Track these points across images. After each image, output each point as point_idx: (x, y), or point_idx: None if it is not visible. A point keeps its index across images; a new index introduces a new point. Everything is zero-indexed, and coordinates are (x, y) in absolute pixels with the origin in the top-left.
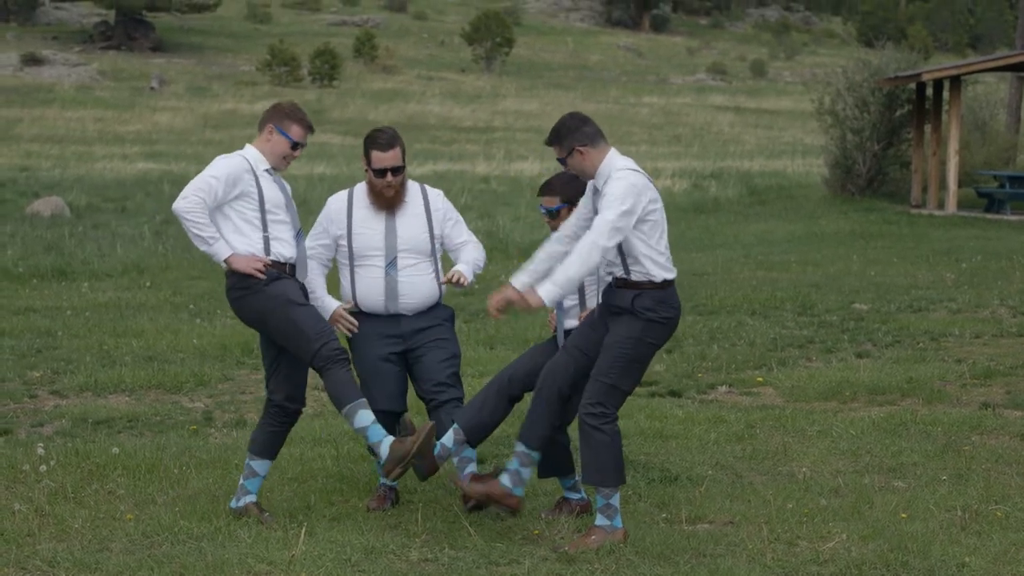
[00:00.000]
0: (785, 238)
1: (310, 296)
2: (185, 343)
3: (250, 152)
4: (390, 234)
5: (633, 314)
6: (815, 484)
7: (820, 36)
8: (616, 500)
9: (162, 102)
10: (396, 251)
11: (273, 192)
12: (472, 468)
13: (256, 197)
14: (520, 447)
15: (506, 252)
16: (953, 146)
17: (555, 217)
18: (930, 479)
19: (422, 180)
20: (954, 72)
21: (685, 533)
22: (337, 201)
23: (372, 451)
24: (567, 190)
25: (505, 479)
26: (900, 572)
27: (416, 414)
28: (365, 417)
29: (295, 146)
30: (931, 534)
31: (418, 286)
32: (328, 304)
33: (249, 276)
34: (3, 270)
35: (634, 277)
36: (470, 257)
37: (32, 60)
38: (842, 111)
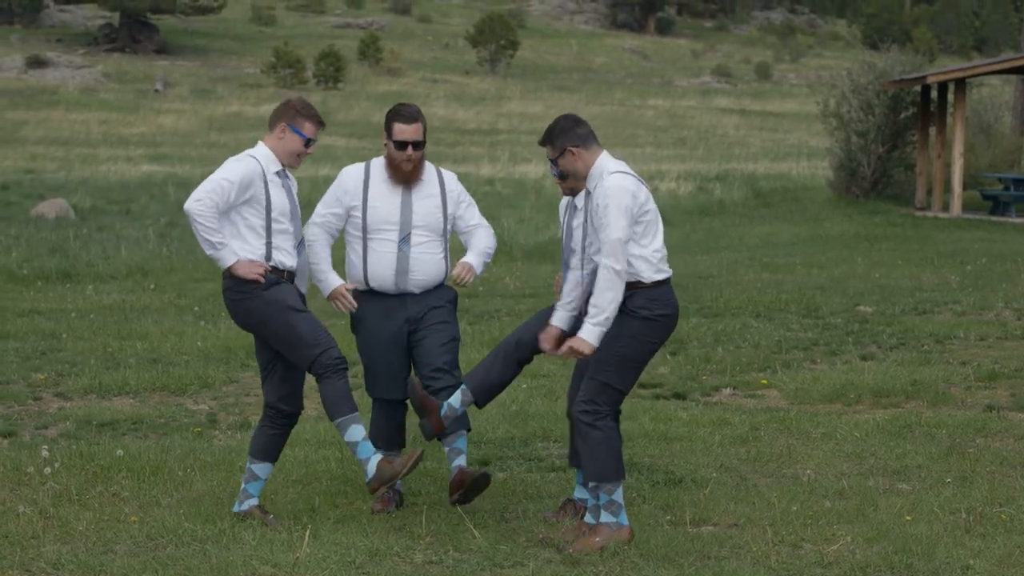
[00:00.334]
0: (790, 240)
1: (313, 268)
2: (189, 345)
3: (261, 152)
4: (406, 209)
5: (626, 314)
6: (819, 486)
7: (825, 39)
8: (619, 496)
9: (166, 104)
10: (411, 227)
11: (281, 199)
12: (461, 461)
13: (263, 204)
14: (588, 485)
15: (510, 254)
16: (958, 149)
17: (565, 179)
18: (934, 481)
19: None
20: (959, 75)
21: (689, 535)
22: (353, 173)
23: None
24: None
25: (589, 518)
26: (904, 574)
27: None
28: (357, 432)
29: (308, 143)
30: (935, 536)
31: (428, 263)
32: (331, 280)
33: (249, 281)
34: (8, 272)
35: (627, 279)
36: (481, 245)
37: (36, 62)
38: (847, 113)
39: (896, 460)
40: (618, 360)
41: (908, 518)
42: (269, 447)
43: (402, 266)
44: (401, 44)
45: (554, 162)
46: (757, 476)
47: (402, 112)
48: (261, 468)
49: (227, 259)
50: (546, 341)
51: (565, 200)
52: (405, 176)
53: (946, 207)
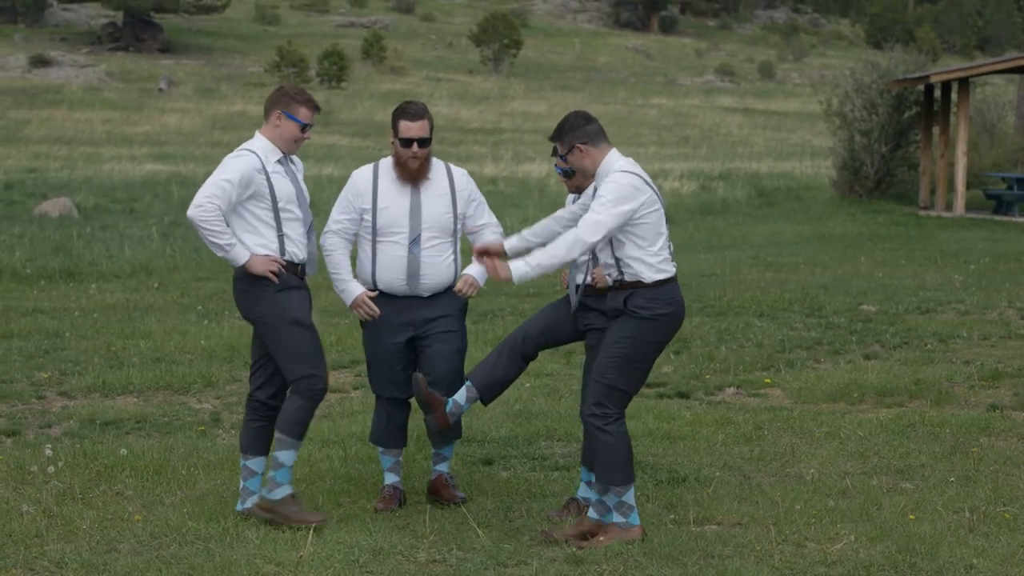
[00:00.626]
0: (793, 240)
1: (334, 277)
2: (193, 344)
3: (259, 144)
4: (415, 211)
5: (627, 314)
6: (823, 485)
7: (828, 38)
8: (630, 498)
9: (170, 103)
10: (420, 229)
11: (284, 186)
12: (444, 467)
13: (268, 196)
14: (595, 482)
15: None
16: (961, 148)
17: (570, 177)
18: (938, 481)
19: None
20: (962, 74)
21: (693, 534)
22: (362, 175)
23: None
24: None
25: (591, 513)
26: (908, 574)
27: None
28: (289, 458)
29: (305, 128)
30: (939, 536)
31: (438, 266)
32: (352, 289)
33: (262, 278)
34: (11, 271)
35: (626, 279)
36: None
37: (40, 61)
38: (850, 113)
39: (900, 459)
40: (620, 361)
41: (912, 517)
42: (257, 440)
43: (413, 269)
44: (405, 43)
45: (563, 157)
46: (761, 475)
47: (408, 110)
48: (255, 463)
49: (240, 257)
50: (480, 247)
51: (570, 198)
52: (412, 174)
53: (949, 206)
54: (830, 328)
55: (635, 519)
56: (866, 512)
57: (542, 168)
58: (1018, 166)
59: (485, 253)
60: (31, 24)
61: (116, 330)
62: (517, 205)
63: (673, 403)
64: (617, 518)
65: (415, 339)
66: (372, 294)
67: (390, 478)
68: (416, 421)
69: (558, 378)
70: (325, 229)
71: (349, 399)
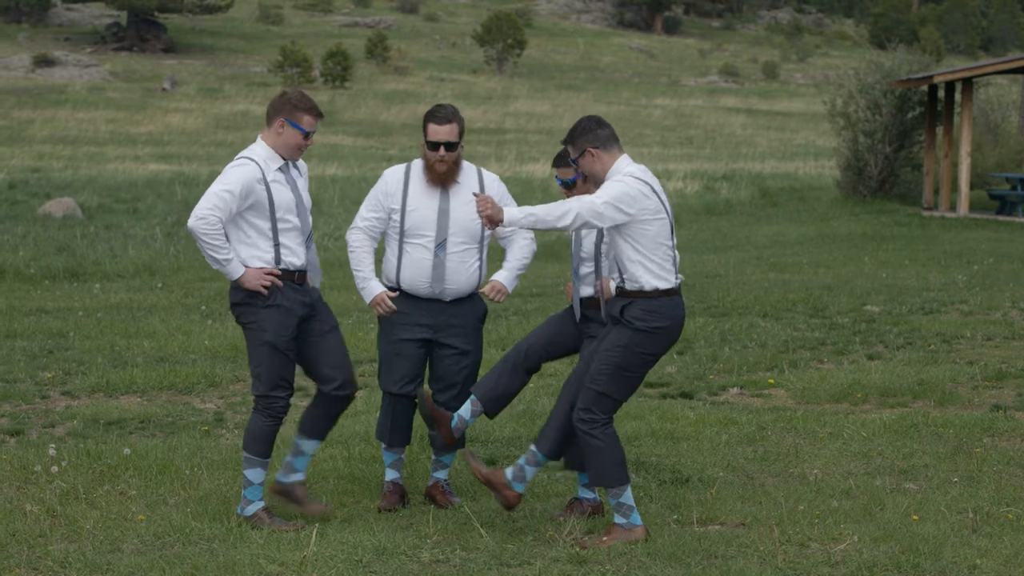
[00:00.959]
0: (797, 240)
1: (356, 273)
2: (197, 344)
3: (260, 151)
4: (443, 215)
5: (622, 323)
6: (826, 486)
7: (832, 38)
8: (627, 498)
9: (174, 103)
10: (447, 232)
11: (284, 196)
12: (442, 475)
13: (267, 206)
14: (533, 447)
15: None
16: (965, 148)
17: (571, 188)
18: (941, 481)
19: None
20: (966, 74)
21: (696, 535)
22: (394, 174)
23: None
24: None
25: (508, 471)
26: (911, 574)
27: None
28: (258, 475)
29: (307, 135)
30: (942, 536)
31: (463, 271)
32: (372, 288)
33: (255, 292)
34: (15, 271)
35: (627, 286)
36: (516, 257)
37: (44, 61)
38: (854, 113)
39: (903, 460)
40: (612, 369)
41: (915, 518)
42: (311, 421)
43: (438, 273)
44: (408, 43)
45: (574, 161)
46: (764, 475)
47: (437, 113)
48: (309, 444)
49: (235, 272)
50: (483, 199)
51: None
52: (440, 177)
53: (953, 207)
54: (834, 328)
55: (636, 519)
56: (869, 513)
57: (546, 168)
58: (1022, 166)
59: (485, 203)
60: (35, 24)
61: (120, 330)
62: (521, 205)
63: (677, 403)
64: (618, 519)
65: (431, 343)
66: (392, 294)
67: (391, 475)
68: (419, 421)
69: (561, 379)
70: (352, 225)
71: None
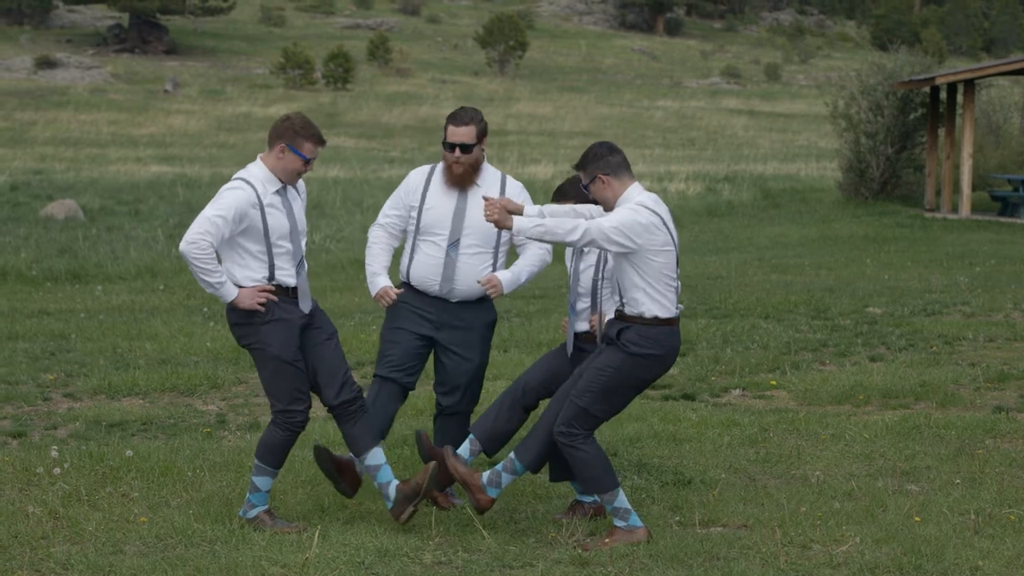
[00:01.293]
0: (799, 241)
1: (367, 267)
2: (199, 346)
3: (258, 173)
4: (458, 215)
5: (616, 345)
6: (828, 487)
7: (834, 40)
8: (621, 502)
9: (176, 105)
10: (460, 233)
11: (279, 222)
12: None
13: (261, 231)
14: (512, 455)
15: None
16: (967, 150)
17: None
18: (943, 483)
19: None
20: (968, 76)
21: (698, 536)
22: (418, 174)
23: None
24: (581, 195)
25: (485, 475)
26: None
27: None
28: (265, 483)
29: (307, 162)
30: (944, 538)
31: (473, 274)
32: (378, 282)
33: (251, 311)
34: (17, 273)
35: (627, 311)
36: (524, 263)
37: (46, 63)
38: (856, 115)
39: (905, 461)
40: (599, 389)
41: (917, 519)
42: (353, 441)
43: (448, 272)
44: (410, 45)
45: (585, 187)
46: (766, 477)
47: (456, 114)
48: (371, 456)
49: (228, 295)
50: (491, 203)
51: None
52: (456, 178)
53: (955, 208)
54: (836, 330)
55: (635, 520)
56: (871, 514)
57: (547, 169)
58: (1023, 168)
59: (497, 208)
60: (37, 26)
61: (122, 332)
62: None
63: (679, 405)
64: (618, 523)
65: (435, 342)
66: (398, 290)
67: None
68: (422, 423)
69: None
70: (375, 222)
71: None
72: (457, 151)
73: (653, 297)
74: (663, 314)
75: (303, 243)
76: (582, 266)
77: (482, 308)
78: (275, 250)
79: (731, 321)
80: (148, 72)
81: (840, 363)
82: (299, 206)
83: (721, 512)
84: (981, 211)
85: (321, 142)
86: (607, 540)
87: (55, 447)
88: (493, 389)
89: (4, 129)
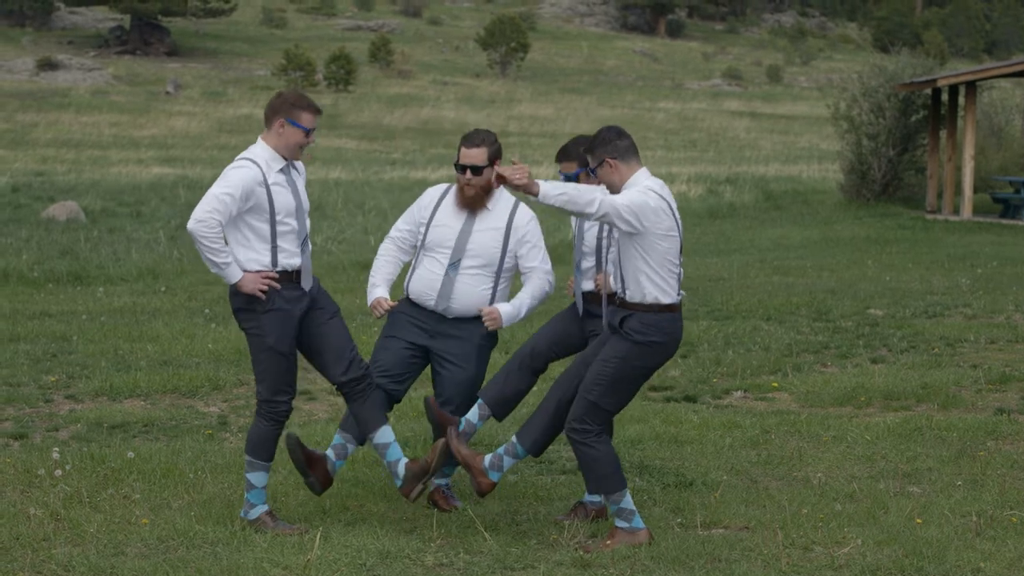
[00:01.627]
0: (800, 243)
1: (370, 277)
2: (200, 348)
3: (261, 153)
4: (463, 236)
5: (619, 334)
6: (830, 489)
7: (836, 41)
8: (627, 503)
9: (177, 107)
10: (463, 253)
11: (285, 199)
12: (444, 481)
13: (267, 208)
14: (513, 439)
15: None
16: (968, 151)
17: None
18: (945, 485)
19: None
20: (970, 78)
21: (700, 538)
22: (433, 191)
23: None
24: (583, 155)
25: (487, 458)
26: None
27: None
28: (260, 479)
29: (309, 133)
30: (946, 539)
31: (470, 294)
32: (375, 293)
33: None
34: (18, 274)
35: (628, 297)
36: (525, 296)
37: (47, 65)
38: (858, 116)
39: (907, 463)
40: (607, 381)
41: (918, 521)
42: (360, 419)
43: (445, 290)
44: (412, 46)
45: (593, 171)
46: (768, 479)
47: (470, 136)
48: (379, 434)
49: (233, 276)
50: (519, 167)
51: None
52: (467, 200)
53: (956, 210)
54: (837, 332)
55: (639, 522)
56: (873, 516)
57: (549, 171)
58: None
59: (516, 174)
60: (38, 27)
61: (123, 333)
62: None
63: (680, 407)
64: (621, 523)
65: (430, 352)
66: (392, 303)
67: (329, 452)
68: (423, 428)
69: None
70: (387, 235)
71: None
72: (468, 172)
73: (655, 282)
74: (664, 299)
75: (307, 222)
76: (586, 225)
77: (479, 322)
78: (280, 228)
79: (733, 323)
80: (150, 74)
81: (842, 365)
82: (301, 185)
83: (723, 514)
84: (982, 213)
85: (317, 111)
86: (609, 542)
87: (56, 449)
88: None
89: (6, 131)
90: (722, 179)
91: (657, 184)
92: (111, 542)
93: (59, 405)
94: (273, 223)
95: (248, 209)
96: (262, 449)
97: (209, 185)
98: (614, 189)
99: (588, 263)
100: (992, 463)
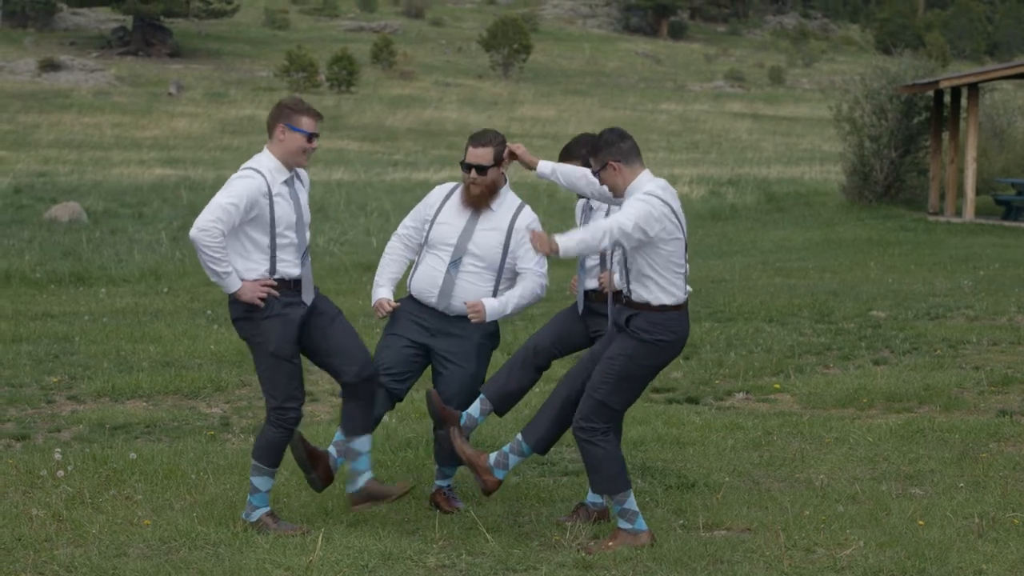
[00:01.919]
0: (803, 245)
1: (376, 275)
2: (202, 349)
3: (265, 163)
4: (465, 234)
5: (626, 333)
6: (832, 491)
7: (838, 43)
8: (630, 504)
9: (180, 108)
10: (464, 252)
11: (286, 212)
12: (446, 483)
13: (268, 221)
14: (519, 436)
15: None
16: (971, 153)
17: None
18: (947, 486)
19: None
20: (972, 79)
21: (702, 540)
22: (440, 190)
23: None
24: (587, 156)
25: (492, 456)
26: None
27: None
28: (265, 483)
29: (310, 137)
30: (948, 541)
31: (471, 292)
32: (379, 293)
33: (252, 305)
34: (21, 275)
35: (633, 297)
36: (515, 294)
37: (50, 66)
38: (860, 118)
39: (909, 465)
40: (613, 379)
41: (921, 523)
42: (350, 419)
43: (446, 288)
44: (414, 48)
45: (596, 174)
46: (770, 480)
47: (477, 136)
48: (359, 442)
49: (232, 286)
50: (537, 236)
51: (581, 203)
52: (471, 199)
53: (959, 212)
54: (839, 334)
55: (641, 524)
56: (875, 518)
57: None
58: None
59: (540, 239)
60: (41, 28)
61: (125, 334)
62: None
63: (682, 408)
64: (623, 524)
65: (431, 352)
66: (395, 304)
67: (331, 449)
68: (424, 428)
69: None
70: (394, 232)
71: None
72: (473, 172)
73: (661, 286)
74: (670, 301)
75: (307, 234)
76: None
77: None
78: (279, 241)
79: (735, 325)
80: (152, 75)
81: (844, 366)
82: (304, 197)
83: (725, 515)
84: (985, 215)
85: (317, 115)
86: (611, 543)
87: (59, 450)
88: None
89: (8, 132)
90: (724, 181)
91: (660, 186)
92: (113, 543)
93: (61, 406)
94: (273, 235)
95: (250, 220)
96: (269, 455)
97: (212, 186)
98: (617, 192)
99: (592, 261)
100: (994, 465)
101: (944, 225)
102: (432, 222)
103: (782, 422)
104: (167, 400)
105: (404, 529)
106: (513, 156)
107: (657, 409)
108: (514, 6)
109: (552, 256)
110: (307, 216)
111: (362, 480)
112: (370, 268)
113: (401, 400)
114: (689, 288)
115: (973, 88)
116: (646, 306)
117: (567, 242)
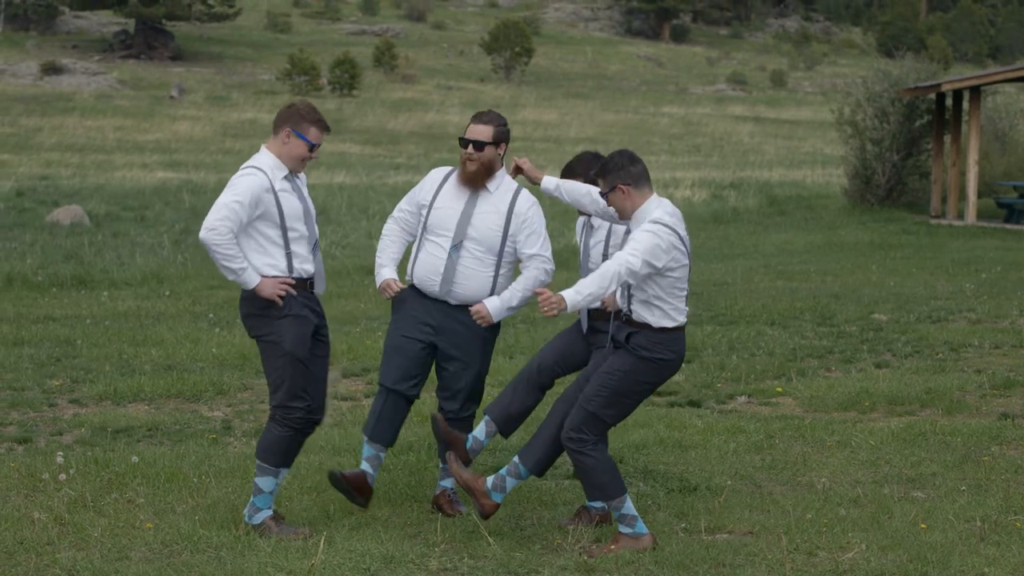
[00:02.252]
0: (804, 248)
1: (376, 258)
2: (204, 352)
3: (265, 160)
4: (464, 218)
5: (625, 349)
6: (834, 494)
7: (840, 46)
8: (628, 508)
9: (182, 111)
10: (464, 235)
11: (291, 204)
12: (449, 483)
13: (276, 215)
14: (516, 459)
15: None
16: (973, 156)
17: None
18: (949, 489)
19: None
20: (974, 82)
21: (704, 543)
22: (437, 172)
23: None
24: (588, 172)
25: (489, 480)
26: None
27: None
28: (269, 484)
29: (312, 148)
30: (950, 544)
31: (473, 278)
32: (383, 273)
33: (268, 302)
34: (23, 279)
35: (634, 317)
36: (519, 287)
37: (52, 69)
38: (862, 121)
39: (911, 468)
40: (608, 393)
41: (923, 526)
42: (291, 452)
43: (448, 274)
44: (416, 51)
45: (604, 195)
46: (772, 484)
47: (480, 113)
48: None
49: (251, 281)
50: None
51: (581, 220)
52: (468, 177)
53: (961, 215)
54: (841, 337)
55: (642, 527)
56: (877, 521)
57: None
58: None
59: (519, 171)
60: (43, 31)
61: (127, 338)
62: None
63: (684, 412)
64: (624, 529)
65: (437, 349)
66: (402, 285)
67: (364, 465)
68: (426, 430)
69: None
70: (390, 215)
71: (360, 407)
72: (470, 147)
73: (664, 311)
74: (670, 324)
75: (316, 227)
76: (592, 241)
77: None
78: (291, 234)
79: (737, 328)
80: (154, 78)
81: (846, 370)
82: (306, 191)
83: (727, 519)
84: (987, 218)
85: (326, 128)
86: (612, 547)
87: (61, 453)
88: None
89: (10, 135)
90: (726, 184)
91: (667, 212)
92: (115, 546)
93: (63, 409)
94: (284, 228)
95: (258, 216)
96: (274, 455)
97: (214, 190)
98: (624, 215)
99: None
100: (996, 468)
101: (946, 228)
102: (430, 207)
103: (784, 425)
104: (169, 403)
105: (406, 533)
106: (519, 170)
107: (659, 412)
108: (516, 9)
109: (561, 313)
110: (312, 208)
111: (255, 514)
112: (372, 271)
113: (418, 398)
114: (688, 308)
115: (975, 91)
116: (646, 326)
117: (575, 297)
